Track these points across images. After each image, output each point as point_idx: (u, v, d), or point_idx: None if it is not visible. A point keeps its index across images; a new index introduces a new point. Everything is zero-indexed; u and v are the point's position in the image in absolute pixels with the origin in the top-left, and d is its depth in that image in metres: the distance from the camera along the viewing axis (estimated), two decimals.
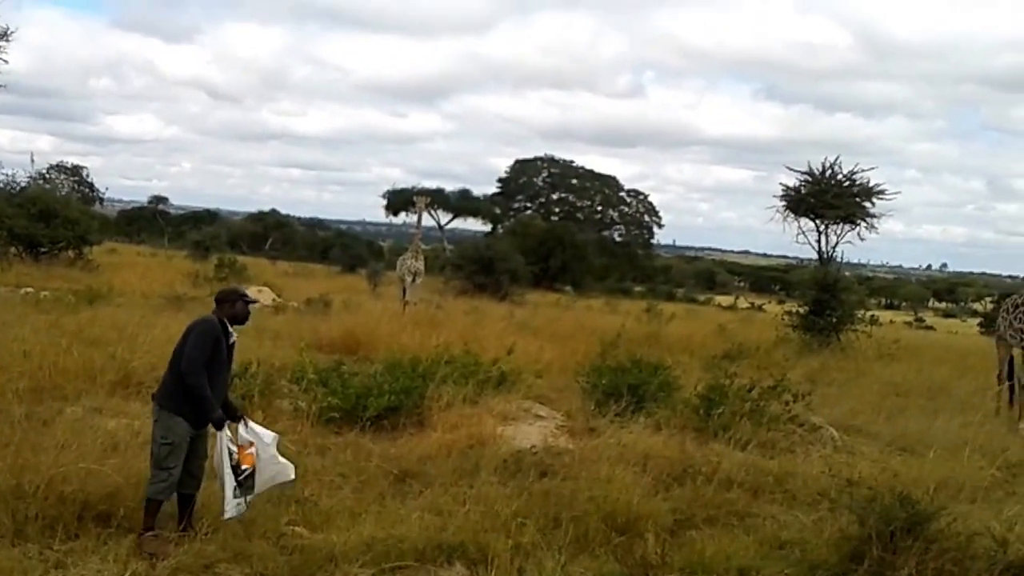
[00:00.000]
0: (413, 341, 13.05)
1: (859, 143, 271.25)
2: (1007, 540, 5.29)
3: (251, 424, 5.78)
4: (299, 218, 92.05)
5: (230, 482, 5.48)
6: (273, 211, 77.78)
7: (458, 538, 5.61)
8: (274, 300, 21.36)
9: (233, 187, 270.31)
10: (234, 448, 5.55)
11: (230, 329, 5.73)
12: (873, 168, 28.59)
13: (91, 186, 59.12)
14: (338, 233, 79.33)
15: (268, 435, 5.80)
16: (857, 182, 27.88)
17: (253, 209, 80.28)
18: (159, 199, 75.06)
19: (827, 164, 28.08)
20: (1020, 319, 12.35)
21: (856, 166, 28.12)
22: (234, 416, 5.72)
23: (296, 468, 5.98)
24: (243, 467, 5.55)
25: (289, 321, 16.58)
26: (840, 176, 27.92)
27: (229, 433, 5.57)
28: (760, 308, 46.95)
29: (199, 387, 5.42)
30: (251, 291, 21.45)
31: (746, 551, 5.87)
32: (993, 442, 9.94)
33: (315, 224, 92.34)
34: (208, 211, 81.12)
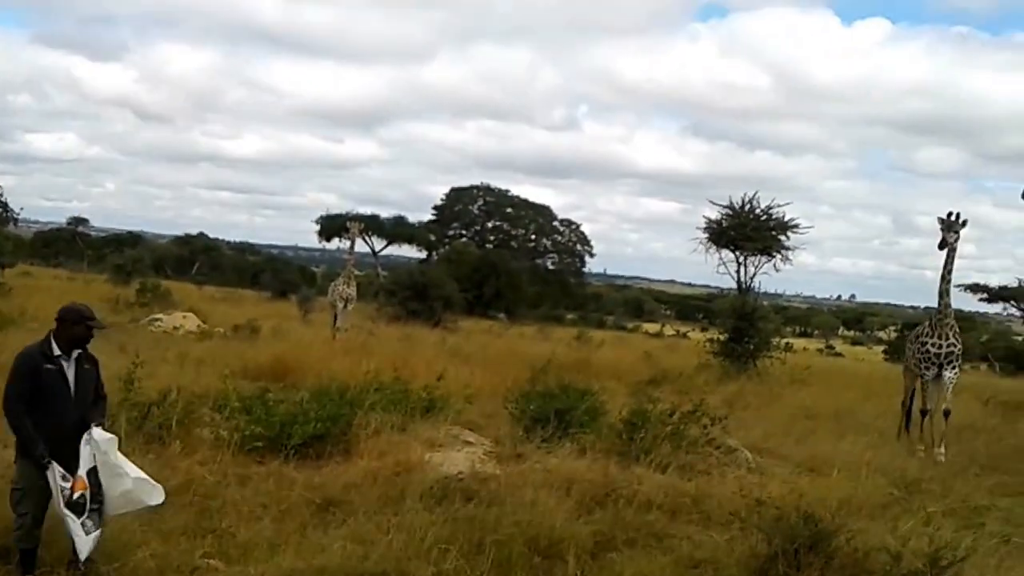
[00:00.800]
0: (343, 368, 12.89)
1: (778, 179, 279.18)
2: (901, 554, 5.46)
3: (93, 433, 5.18)
4: (229, 242, 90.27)
5: (72, 522, 5.01)
6: (201, 234, 76.12)
7: (380, 567, 5.53)
8: (199, 326, 20.79)
9: (160, 209, 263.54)
10: (66, 484, 5.04)
11: (57, 354, 5.20)
12: (789, 203, 29.28)
13: (4, 206, 56.89)
14: (269, 258, 77.94)
15: (105, 439, 5.21)
16: (774, 216, 28.63)
17: (180, 232, 78.49)
18: (79, 220, 72.13)
19: (746, 199, 28.81)
20: (921, 349, 12.68)
21: (773, 201, 28.92)
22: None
23: (215, 500, 5.82)
24: (76, 495, 5.04)
25: (215, 348, 16.22)
26: (758, 210, 28.65)
27: (59, 469, 5.05)
28: (685, 335, 47.72)
29: (17, 426, 5.07)
30: (176, 316, 21.20)
31: (662, 571, 5.95)
32: (893, 462, 10.36)
33: (245, 248, 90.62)
34: (131, 234, 78.52)
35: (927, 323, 13.14)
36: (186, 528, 5.80)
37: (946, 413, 12.38)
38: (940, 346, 12.46)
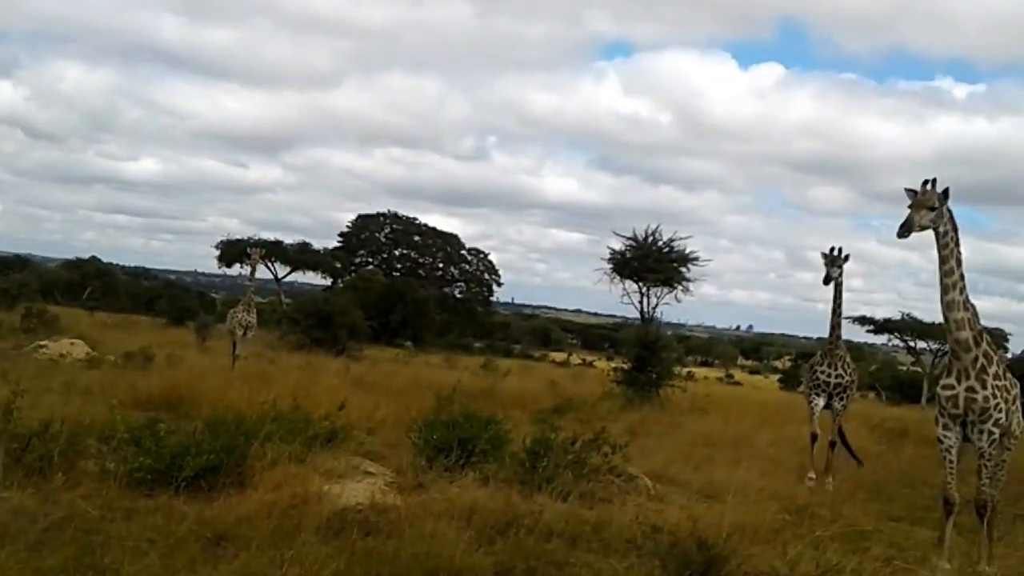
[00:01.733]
0: (240, 397, 12.51)
1: (681, 213, 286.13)
2: None
3: None
4: (123, 266, 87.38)
5: None
6: (93, 258, 73.55)
7: None
8: (88, 353, 19.87)
9: (49, 232, 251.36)
10: None
11: None
12: (690, 236, 30.34)
13: None
14: (166, 283, 75.45)
15: None
16: (675, 249, 29.38)
17: (71, 256, 75.63)
18: None
19: (649, 231, 29.47)
20: (812, 377, 13.00)
21: (675, 233, 29.76)
22: None
23: (98, 535, 5.54)
24: None
25: (104, 376, 15.56)
26: (660, 243, 29.34)
27: None
28: (591, 364, 48.28)
29: None
30: (63, 343, 20.31)
31: None
32: (785, 488, 10.65)
33: (141, 273, 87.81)
34: (18, 257, 74.72)
35: (820, 353, 13.41)
36: (66, 565, 5.50)
37: (832, 444, 12.67)
38: (830, 375, 12.70)
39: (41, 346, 20.31)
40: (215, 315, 42.89)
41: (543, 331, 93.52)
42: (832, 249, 12.56)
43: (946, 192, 7.75)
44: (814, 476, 12.28)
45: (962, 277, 7.89)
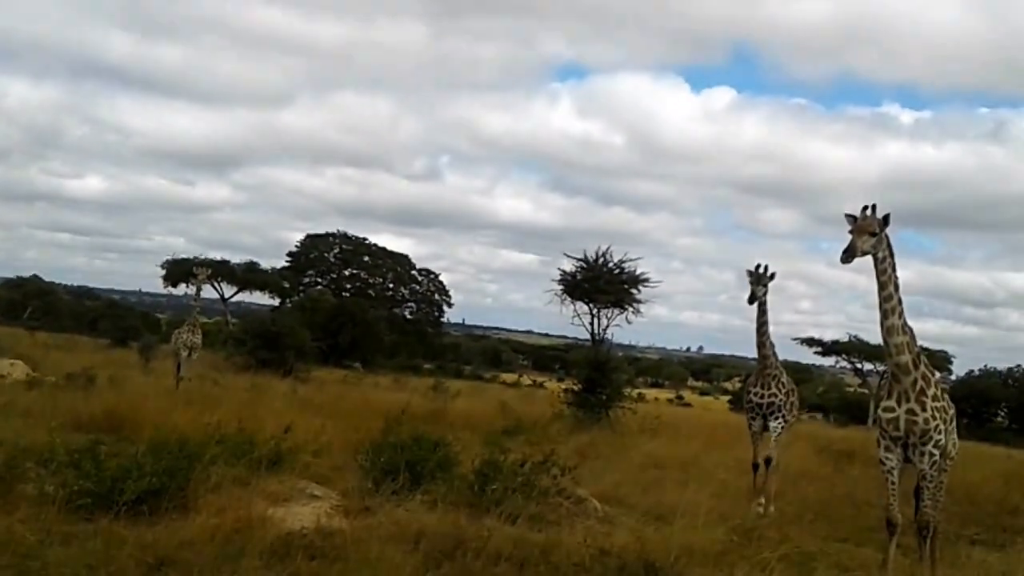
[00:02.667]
0: (184, 419, 12.32)
1: (633, 235, 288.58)
2: None
3: None
4: (66, 286, 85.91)
5: None
6: (35, 277, 72.31)
7: None
8: (28, 375, 19.50)
9: None
10: None
11: None
12: (640, 258, 30.37)
13: None
14: (110, 303, 74.27)
15: None
16: (626, 270, 29.55)
17: (12, 275, 74.19)
18: None
19: (600, 252, 29.62)
20: (747, 399, 12.77)
21: (625, 255, 29.85)
22: None
23: (35, 560, 5.43)
24: None
25: (44, 397, 15.16)
26: (611, 264, 29.50)
27: None
28: (541, 385, 48.40)
29: None
30: (2, 364, 19.84)
31: None
32: (733, 510, 10.72)
33: (84, 293, 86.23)
34: None
35: (753, 374, 13.10)
36: None
37: (767, 461, 12.27)
38: (763, 395, 12.41)
39: None
40: (160, 335, 42.22)
41: (494, 352, 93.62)
42: (757, 267, 12.22)
43: (886, 218, 7.83)
44: (764, 501, 11.97)
45: (900, 301, 7.99)
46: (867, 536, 10.58)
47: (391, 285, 72.08)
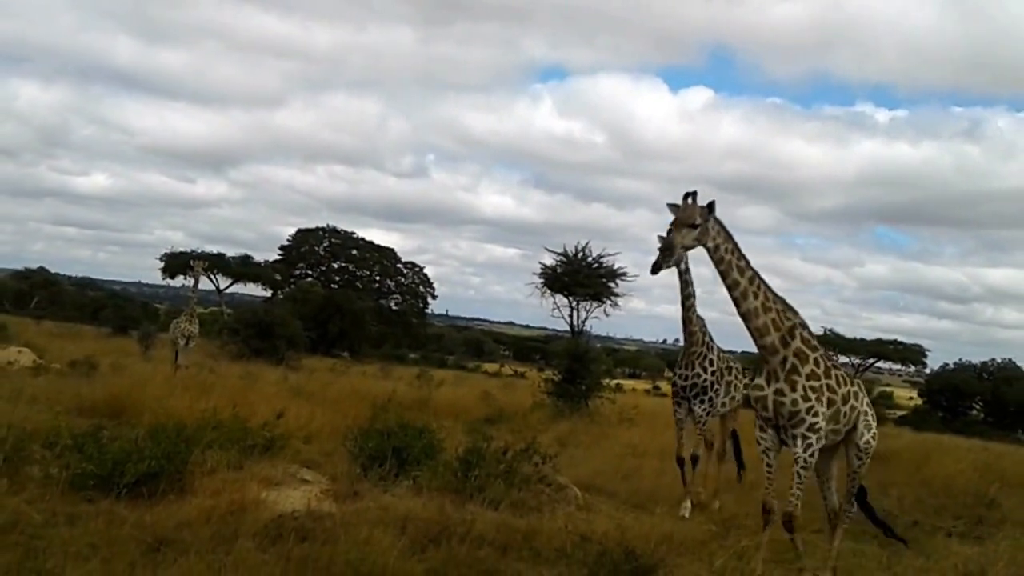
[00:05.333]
0: (181, 405, 12.26)
1: (613, 230, 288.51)
2: None
3: None
4: (70, 277, 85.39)
5: None
6: (41, 269, 71.91)
7: None
8: (34, 361, 19.44)
9: (0, 243, 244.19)
10: None
11: None
12: (618, 253, 30.57)
13: None
14: (111, 294, 73.98)
15: None
16: (604, 265, 29.54)
17: (20, 266, 73.68)
18: None
19: (579, 247, 29.60)
20: (673, 385, 11.33)
21: (604, 250, 29.87)
22: None
23: (42, 539, 5.40)
24: None
25: (50, 383, 15.13)
26: (590, 259, 29.50)
27: None
28: (522, 375, 48.31)
29: None
30: (10, 351, 19.69)
31: None
32: (709, 500, 10.65)
33: (87, 284, 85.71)
34: None
35: (680, 356, 11.31)
36: (9, 569, 5.36)
37: (693, 459, 10.82)
38: (686, 377, 10.77)
39: None
40: (158, 325, 41.99)
41: (476, 343, 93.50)
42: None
43: (711, 205, 7.02)
44: (690, 506, 10.29)
45: (753, 280, 7.11)
46: (845, 527, 10.51)
47: (378, 277, 71.84)
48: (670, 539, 7.46)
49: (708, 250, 7.02)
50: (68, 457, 8.02)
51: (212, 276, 61.15)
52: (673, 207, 7.00)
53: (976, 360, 57.90)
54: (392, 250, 73.31)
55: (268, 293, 65.48)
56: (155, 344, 30.48)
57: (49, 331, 36.25)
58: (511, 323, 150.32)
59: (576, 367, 22.58)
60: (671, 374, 11.26)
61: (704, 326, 10.93)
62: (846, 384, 7.59)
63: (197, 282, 22.88)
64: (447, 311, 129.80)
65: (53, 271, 76.00)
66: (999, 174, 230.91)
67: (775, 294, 7.23)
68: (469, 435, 12.41)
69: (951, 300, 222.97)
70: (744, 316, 7.12)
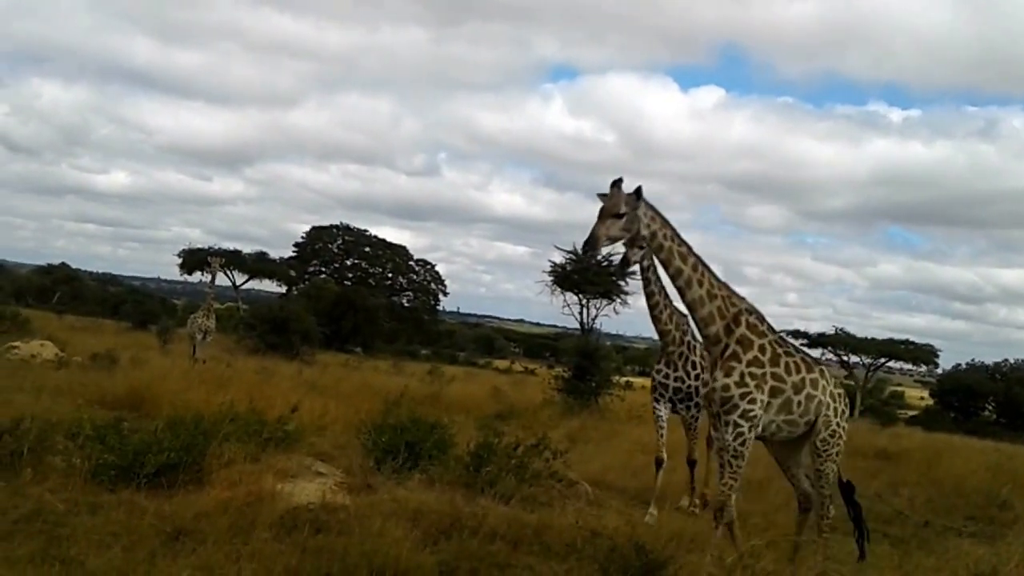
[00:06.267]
0: (199, 398, 12.36)
1: None
2: None
3: None
4: (91, 273, 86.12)
5: None
6: (63, 264, 72.54)
7: None
8: (57, 354, 19.58)
9: (22, 239, 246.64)
10: None
11: None
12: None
13: None
14: (131, 289, 74.54)
15: None
16: (614, 263, 29.41)
17: (43, 262, 74.37)
18: None
19: None
20: (652, 382, 10.76)
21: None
22: None
23: (65, 528, 5.47)
24: None
25: (71, 376, 15.26)
26: (600, 257, 29.44)
27: None
28: (532, 372, 48.23)
29: None
30: (33, 345, 19.86)
31: None
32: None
33: (107, 280, 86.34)
34: None
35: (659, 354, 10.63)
36: (34, 556, 5.42)
37: (692, 463, 10.48)
38: (667, 375, 10.21)
39: (13, 347, 19.97)
40: (176, 320, 42.26)
41: (487, 340, 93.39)
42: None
43: (638, 191, 6.51)
44: (656, 512, 9.52)
45: (696, 267, 6.70)
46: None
47: (390, 275, 72.05)
48: (680, 535, 7.45)
49: (644, 239, 6.65)
50: (90, 448, 8.08)
51: (228, 272, 61.40)
52: (603, 196, 6.52)
53: (989, 360, 57.36)
54: (404, 248, 73.64)
55: (283, 289, 65.70)
56: (173, 338, 30.67)
57: (71, 325, 36.48)
58: (521, 320, 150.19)
59: (586, 364, 22.57)
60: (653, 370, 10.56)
61: (685, 325, 10.13)
62: (801, 372, 7.07)
63: (214, 278, 23.11)
64: (458, 308, 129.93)
65: (74, 267, 76.77)
66: (1014, 173, 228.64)
67: (719, 280, 6.87)
68: (480, 430, 12.40)
69: (964, 300, 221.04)
70: (689, 306, 6.79)
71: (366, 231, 72.73)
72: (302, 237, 71.03)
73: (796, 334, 52.71)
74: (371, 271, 71.29)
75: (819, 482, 7.54)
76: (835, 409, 7.40)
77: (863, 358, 51.54)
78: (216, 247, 59.87)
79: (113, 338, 30.14)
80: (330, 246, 70.85)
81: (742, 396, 6.64)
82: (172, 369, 17.23)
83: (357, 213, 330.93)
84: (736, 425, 6.67)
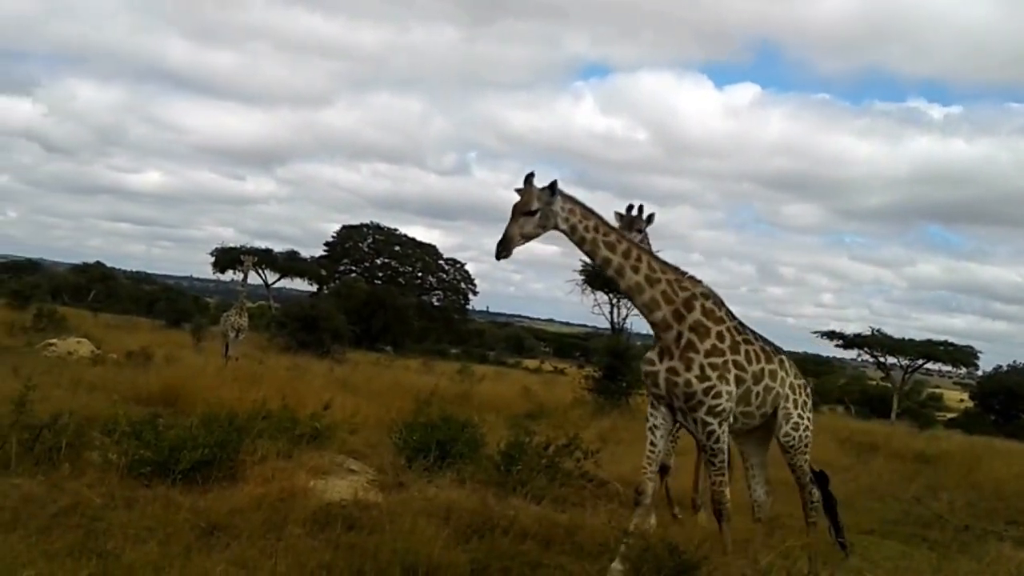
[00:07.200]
0: (232, 395, 12.45)
1: (654, 228, 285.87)
2: None
3: None
4: (125, 271, 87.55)
5: None
6: (98, 263, 73.75)
7: None
8: (92, 352, 19.93)
9: (59, 238, 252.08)
10: None
11: None
12: (660, 250, 29.88)
13: None
14: (164, 288, 75.59)
15: None
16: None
17: (78, 261, 75.72)
18: None
19: None
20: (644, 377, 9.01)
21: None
22: None
23: (102, 522, 5.54)
24: None
25: (107, 373, 15.48)
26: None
27: None
28: (562, 372, 48.19)
29: None
30: (70, 342, 20.21)
31: None
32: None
33: (141, 278, 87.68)
34: (30, 260, 75.48)
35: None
36: (72, 549, 5.49)
37: (663, 469, 8.92)
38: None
39: (50, 344, 20.40)
40: (209, 318, 42.78)
41: (517, 339, 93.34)
42: (629, 208, 8.78)
43: (552, 186, 6.23)
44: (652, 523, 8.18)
45: (628, 254, 6.36)
46: (892, 529, 10.28)
47: (420, 274, 72.31)
48: (713, 537, 7.37)
49: (564, 233, 6.29)
50: (126, 444, 8.16)
51: (260, 271, 61.97)
52: (519, 191, 6.28)
53: None
54: (434, 247, 73.87)
55: (314, 288, 66.21)
56: (206, 336, 31.04)
57: (106, 323, 37.00)
58: (551, 320, 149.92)
59: (617, 364, 22.49)
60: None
61: None
62: (761, 362, 6.71)
63: (246, 277, 23.33)
64: (488, 307, 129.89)
65: (109, 265, 78.06)
66: None
67: (665, 264, 6.52)
68: (511, 430, 12.38)
69: (1005, 301, 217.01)
70: (627, 294, 6.48)
71: (396, 230, 73.17)
72: (333, 236, 71.55)
73: (831, 335, 51.93)
74: (401, 270, 71.63)
75: (795, 474, 7.37)
76: (795, 401, 7.08)
77: (900, 359, 50.59)
78: (248, 246, 60.57)
79: (147, 336, 30.50)
80: (360, 245, 71.25)
81: (706, 391, 6.30)
82: (206, 366, 17.43)
83: (387, 212, 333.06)
84: (705, 423, 6.41)
